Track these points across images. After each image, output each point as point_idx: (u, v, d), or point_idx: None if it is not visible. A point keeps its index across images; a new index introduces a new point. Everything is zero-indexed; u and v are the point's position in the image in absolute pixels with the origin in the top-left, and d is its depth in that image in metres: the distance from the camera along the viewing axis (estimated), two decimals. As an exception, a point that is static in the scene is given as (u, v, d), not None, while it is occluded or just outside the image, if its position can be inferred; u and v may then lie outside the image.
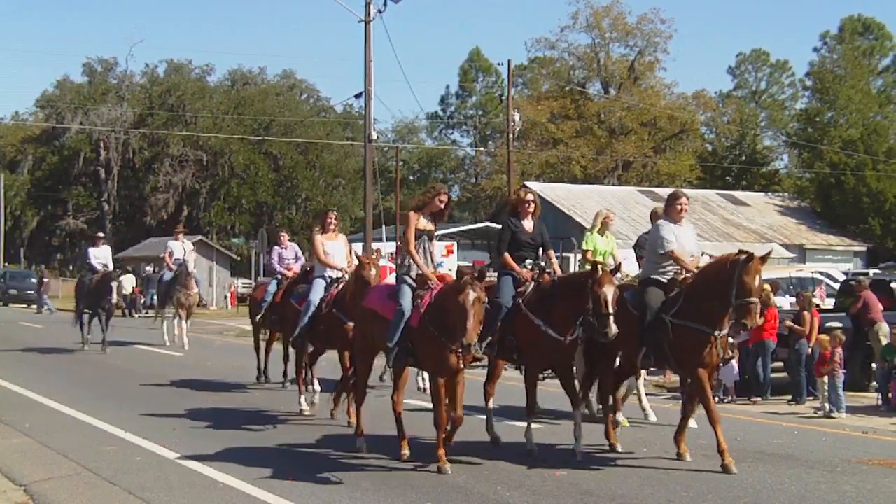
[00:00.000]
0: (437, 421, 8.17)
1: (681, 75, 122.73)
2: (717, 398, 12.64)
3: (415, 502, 7.30)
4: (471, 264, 35.60)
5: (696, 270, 8.87)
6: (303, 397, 11.68)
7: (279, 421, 11.08)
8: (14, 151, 56.78)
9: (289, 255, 14.53)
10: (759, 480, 7.91)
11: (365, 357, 9.29)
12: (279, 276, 14.07)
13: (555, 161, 57.23)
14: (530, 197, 9.59)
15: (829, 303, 17.79)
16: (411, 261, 8.63)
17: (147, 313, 33.82)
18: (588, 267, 9.38)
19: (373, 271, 9.93)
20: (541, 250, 9.45)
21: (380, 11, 24.94)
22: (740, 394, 13.18)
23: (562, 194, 47.22)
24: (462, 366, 8.18)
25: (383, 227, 29.55)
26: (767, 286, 13.07)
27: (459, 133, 73.63)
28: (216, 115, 53.92)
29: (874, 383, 13.43)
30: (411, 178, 69.59)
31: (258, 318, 14.35)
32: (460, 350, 7.73)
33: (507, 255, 9.28)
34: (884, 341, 12.82)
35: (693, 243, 9.33)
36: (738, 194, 53.61)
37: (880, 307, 13.60)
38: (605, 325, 8.14)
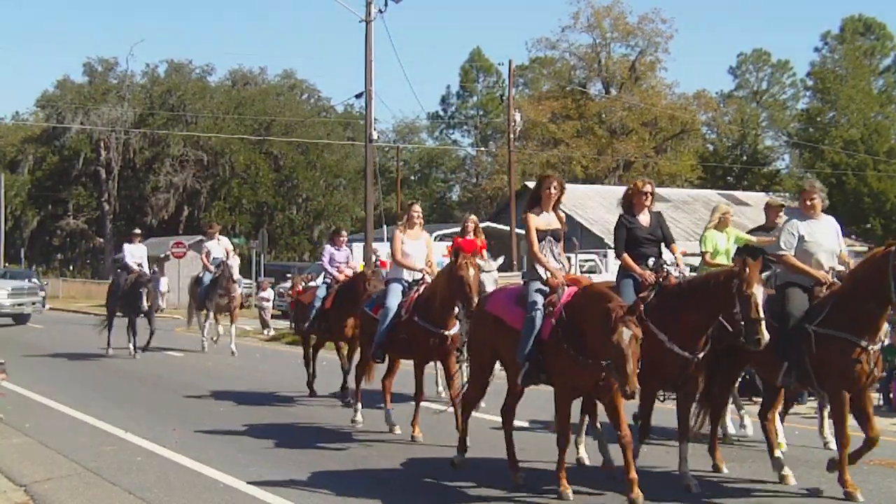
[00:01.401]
0: (561, 443, 7.30)
1: (682, 75, 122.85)
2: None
3: (415, 502, 7.29)
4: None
5: (823, 276, 7.73)
6: (359, 406, 10.74)
7: (279, 421, 11.07)
8: (14, 151, 56.76)
9: (341, 257, 13.46)
10: (760, 480, 7.90)
11: (483, 366, 8.29)
12: (328, 280, 13.13)
13: (556, 161, 57.19)
14: (648, 188, 8.43)
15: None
16: (539, 266, 7.75)
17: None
18: (705, 266, 8.46)
19: (471, 271, 8.86)
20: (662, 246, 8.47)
21: (380, 11, 24.92)
22: (741, 393, 13.14)
23: (562, 194, 47.18)
24: (602, 384, 7.06)
25: (384, 227, 29.52)
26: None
27: (460, 133, 73.74)
28: (216, 115, 53.92)
29: (875, 384, 13.40)
30: (412, 178, 69.60)
31: (306, 326, 13.31)
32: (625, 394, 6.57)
33: (626, 254, 8.25)
34: (885, 341, 12.79)
35: (832, 240, 8.11)
36: (739, 194, 53.61)
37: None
38: (757, 332, 7.01)
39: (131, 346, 18.18)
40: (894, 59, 61.90)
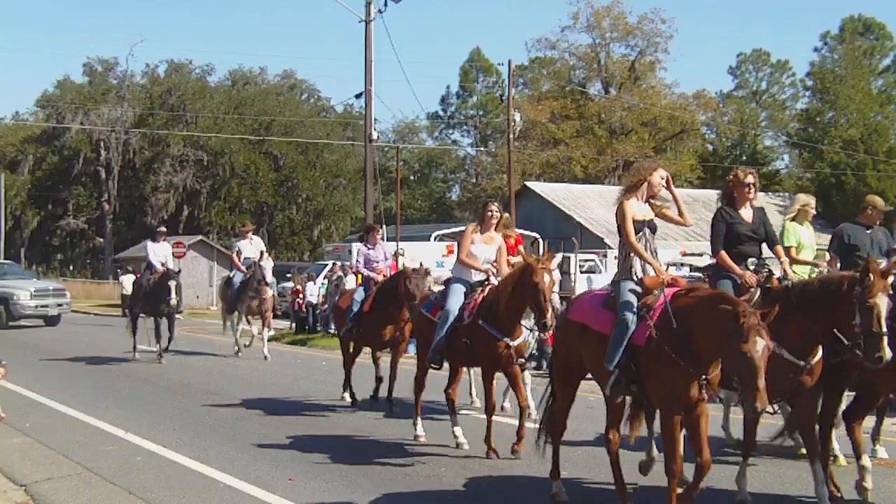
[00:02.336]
0: (670, 467, 6.30)
1: (681, 75, 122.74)
2: (717, 398, 12.65)
3: (415, 502, 7.29)
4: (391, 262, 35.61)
5: None
6: (419, 424, 9.77)
7: (280, 421, 11.06)
8: (14, 151, 56.76)
9: (377, 256, 12.50)
10: (760, 480, 7.90)
11: (569, 381, 7.46)
12: (365, 282, 12.30)
13: (555, 161, 57.24)
14: (751, 179, 7.60)
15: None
16: (633, 260, 6.94)
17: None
18: (790, 267, 7.70)
19: (546, 278, 8.04)
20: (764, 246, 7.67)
21: (380, 11, 24.93)
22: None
23: (562, 194, 47.26)
24: (706, 397, 6.31)
25: (384, 227, 29.53)
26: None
27: (460, 133, 73.74)
28: (216, 115, 53.92)
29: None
30: (412, 178, 69.59)
31: (343, 331, 12.47)
32: (755, 410, 5.72)
33: (724, 252, 7.46)
34: None
35: None
36: (739, 194, 53.60)
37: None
38: (878, 348, 6.17)
39: (157, 349, 17.63)
40: (894, 59, 61.91)
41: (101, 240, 55.38)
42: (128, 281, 36.06)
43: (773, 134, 65.48)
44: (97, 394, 13.47)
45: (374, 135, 26.80)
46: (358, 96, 27.23)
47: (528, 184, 48.56)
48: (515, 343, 8.69)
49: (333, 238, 53.76)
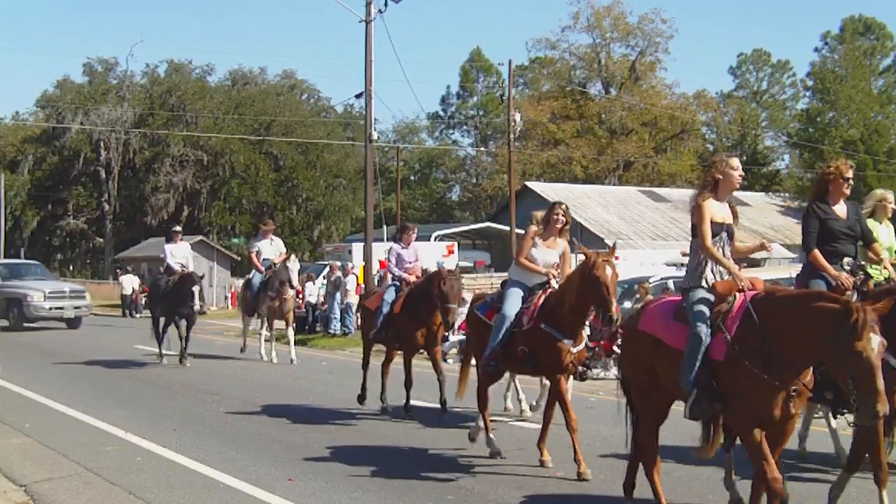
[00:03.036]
0: (773, 489, 5.72)
1: (682, 75, 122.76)
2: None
3: (415, 502, 7.29)
4: (472, 264, 35.69)
5: None
6: (491, 435, 9.11)
7: (279, 421, 11.06)
8: (14, 151, 56.75)
9: (409, 256, 11.90)
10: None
11: (651, 401, 6.70)
12: (396, 282, 11.67)
13: (555, 161, 57.26)
14: (850, 173, 6.92)
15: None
16: (706, 266, 6.33)
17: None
18: (876, 267, 7.07)
19: (608, 271, 7.67)
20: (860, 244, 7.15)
21: (380, 11, 24.89)
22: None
23: (562, 194, 47.14)
24: (794, 410, 5.77)
25: (384, 227, 29.54)
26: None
27: (460, 133, 73.79)
28: (216, 116, 53.92)
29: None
30: (412, 178, 69.60)
31: (373, 333, 11.71)
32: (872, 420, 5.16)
33: (816, 251, 6.76)
34: None
35: None
36: (739, 194, 53.53)
37: (881, 307, 13.54)
38: None
39: (162, 349, 17.27)
40: (894, 59, 61.97)
41: (101, 240, 55.38)
42: (127, 281, 36.13)
43: (773, 134, 65.56)
44: (97, 394, 13.46)
45: (374, 135, 26.78)
46: (358, 96, 27.23)
47: (529, 184, 48.59)
48: (577, 349, 8.24)
49: (333, 238, 53.76)
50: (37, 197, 55.12)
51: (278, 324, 18.41)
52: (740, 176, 6.53)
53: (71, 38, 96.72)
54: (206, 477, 8.11)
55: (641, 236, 44.12)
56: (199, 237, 44.63)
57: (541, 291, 8.53)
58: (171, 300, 16.84)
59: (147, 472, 8.29)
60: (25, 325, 25.69)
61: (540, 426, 8.77)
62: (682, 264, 27.19)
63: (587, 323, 8.41)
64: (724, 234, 6.37)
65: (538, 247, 8.71)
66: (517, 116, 34.48)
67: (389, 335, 11.42)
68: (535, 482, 7.91)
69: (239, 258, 46.83)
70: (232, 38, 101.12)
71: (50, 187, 54.92)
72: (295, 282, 17.42)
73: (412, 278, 11.56)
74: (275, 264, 17.24)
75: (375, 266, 24.57)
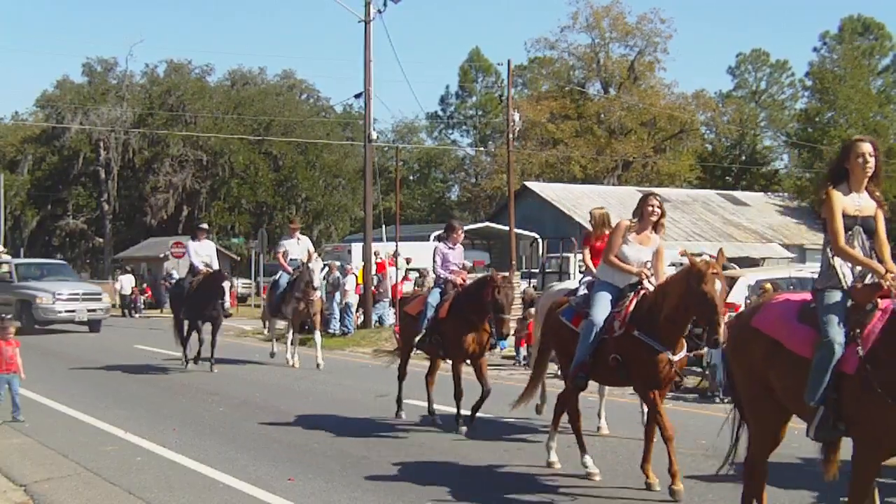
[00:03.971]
0: None
1: (681, 75, 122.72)
2: (717, 398, 12.69)
3: (415, 502, 7.30)
4: (471, 264, 35.65)
5: None
6: (553, 449, 8.47)
7: (279, 421, 11.07)
8: (14, 151, 56.71)
9: (456, 257, 11.10)
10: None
11: (765, 418, 5.95)
12: (441, 284, 10.91)
13: (554, 161, 57.24)
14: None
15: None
16: (842, 263, 5.61)
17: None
18: None
19: (717, 285, 6.85)
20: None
21: (380, 11, 24.90)
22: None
23: (562, 194, 47.28)
24: None
25: (383, 227, 29.49)
26: (769, 286, 13.05)
27: (459, 133, 73.77)
28: (216, 116, 53.88)
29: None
30: (411, 178, 69.58)
31: (417, 340, 10.89)
32: None
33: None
34: None
35: None
36: (738, 194, 53.69)
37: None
38: None
39: (184, 354, 16.63)
40: (893, 58, 61.95)
41: (101, 240, 55.36)
42: (126, 281, 36.10)
43: (772, 134, 65.53)
44: (97, 394, 13.48)
45: (374, 135, 26.79)
46: (357, 96, 27.21)
47: (528, 184, 48.59)
48: (677, 358, 7.52)
49: (333, 238, 53.74)
50: (36, 197, 55.09)
51: (279, 324, 18.24)
52: (869, 168, 5.65)
53: (71, 38, 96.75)
54: (206, 477, 8.13)
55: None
56: (199, 237, 44.57)
57: (632, 294, 7.79)
58: (197, 301, 16.10)
59: (147, 472, 8.31)
60: (42, 327, 24.89)
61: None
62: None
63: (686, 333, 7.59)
64: (857, 228, 5.59)
65: (630, 243, 7.96)
66: (516, 116, 34.47)
67: (434, 342, 10.65)
68: (536, 482, 7.93)
69: (238, 258, 46.82)
70: (231, 38, 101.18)
71: (50, 187, 54.88)
72: (317, 282, 16.73)
73: (459, 280, 10.79)
74: (303, 264, 16.73)
75: (372, 267, 24.59)
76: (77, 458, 8.93)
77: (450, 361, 10.82)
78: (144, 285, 36.99)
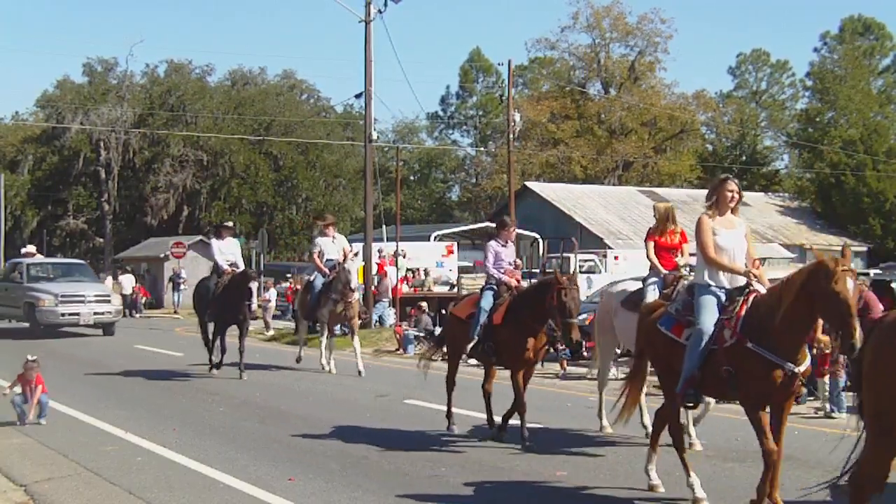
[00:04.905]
0: None
1: (681, 75, 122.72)
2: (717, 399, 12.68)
3: (415, 502, 7.29)
4: (471, 264, 35.69)
5: None
6: (653, 468, 7.71)
7: (279, 421, 11.07)
8: (14, 151, 56.70)
9: (509, 256, 10.31)
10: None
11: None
12: (494, 286, 10.05)
13: (555, 161, 57.24)
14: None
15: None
16: None
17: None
18: None
19: (849, 284, 6.14)
20: None
21: (380, 11, 24.91)
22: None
23: (562, 194, 47.29)
24: None
25: (384, 227, 29.54)
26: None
27: (460, 133, 73.77)
28: (216, 116, 53.87)
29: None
30: (411, 178, 69.58)
31: (469, 348, 10.05)
32: None
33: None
34: None
35: None
36: (739, 194, 53.61)
37: (881, 307, 13.56)
38: None
39: (213, 358, 15.71)
40: (893, 59, 61.93)
41: (101, 240, 55.34)
42: (126, 281, 36.09)
43: (772, 134, 65.51)
44: (97, 394, 13.48)
45: (374, 135, 26.79)
46: (358, 96, 27.25)
47: (528, 184, 48.59)
48: (801, 369, 6.67)
49: (333, 238, 53.69)
50: (37, 197, 55.08)
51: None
52: None
53: (71, 38, 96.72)
54: (206, 477, 8.12)
55: (641, 236, 43.93)
56: (199, 237, 44.59)
57: (741, 298, 6.97)
58: (223, 304, 15.18)
59: (147, 472, 8.30)
60: (47, 331, 23.39)
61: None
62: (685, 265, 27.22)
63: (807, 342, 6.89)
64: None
65: (720, 234, 7.22)
66: (516, 116, 34.49)
67: (487, 349, 9.82)
68: (536, 482, 7.92)
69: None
70: (232, 38, 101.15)
71: (50, 187, 54.87)
72: (355, 282, 15.79)
73: (514, 282, 10.03)
74: (338, 264, 15.84)
75: (372, 267, 24.59)
76: (77, 458, 8.93)
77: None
78: (137, 285, 36.89)
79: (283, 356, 18.83)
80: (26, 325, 23.89)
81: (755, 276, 7.08)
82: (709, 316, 7.01)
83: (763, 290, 6.95)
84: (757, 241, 45.61)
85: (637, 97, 57.83)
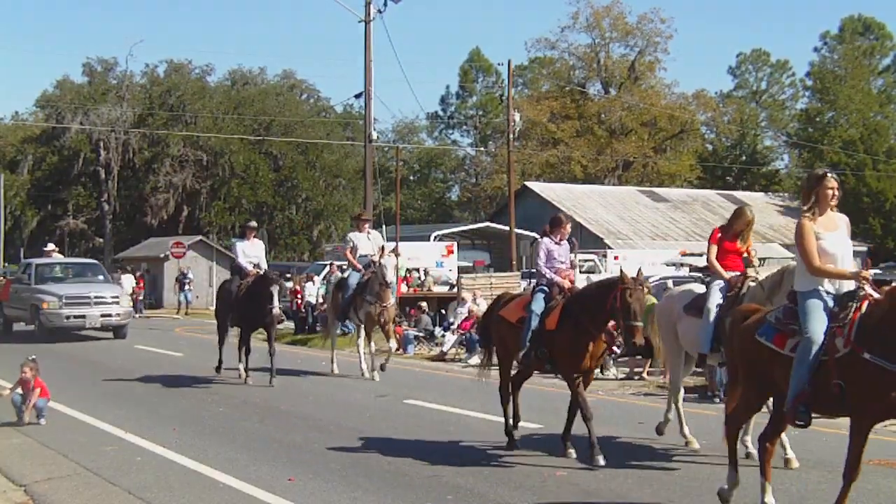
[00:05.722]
0: None
1: (681, 75, 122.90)
2: (717, 398, 12.68)
3: (415, 502, 7.29)
4: (471, 264, 35.71)
5: None
6: (769, 492, 6.87)
7: (279, 421, 11.07)
8: (14, 151, 56.68)
9: (563, 255, 9.54)
10: (760, 480, 7.89)
11: None
12: (545, 287, 9.23)
13: (555, 161, 57.27)
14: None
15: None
16: None
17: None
18: None
19: None
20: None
21: (380, 11, 24.96)
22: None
23: (562, 194, 47.31)
24: None
25: (384, 227, 29.50)
26: None
27: (459, 133, 73.80)
28: (216, 116, 53.86)
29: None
30: (411, 178, 69.58)
31: (521, 355, 9.16)
32: None
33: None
34: None
35: None
36: (739, 194, 53.68)
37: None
38: None
39: (241, 367, 14.70)
40: (894, 58, 61.98)
41: (101, 240, 55.33)
42: (126, 281, 36.03)
43: (772, 134, 65.57)
44: (97, 394, 13.48)
45: (374, 135, 26.81)
46: (357, 96, 27.28)
47: (528, 184, 48.62)
48: None
49: (333, 238, 53.70)
50: (36, 197, 55.06)
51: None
52: None
53: (71, 38, 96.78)
54: (206, 477, 8.12)
55: (641, 236, 44.12)
56: (199, 237, 44.59)
57: (854, 304, 6.35)
58: (248, 307, 14.46)
59: (147, 472, 8.30)
60: (53, 334, 22.12)
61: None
62: (682, 264, 27.21)
63: None
64: None
65: (824, 238, 6.59)
66: (516, 116, 34.49)
67: (540, 356, 8.99)
68: (536, 482, 7.92)
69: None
70: (232, 38, 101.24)
71: (50, 187, 54.85)
72: (391, 277, 14.86)
73: (567, 283, 9.24)
74: (374, 262, 14.89)
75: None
76: (77, 458, 8.93)
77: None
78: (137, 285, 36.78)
79: (283, 356, 18.79)
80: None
81: (866, 280, 6.44)
82: (817, 324, 6.38)
83: (877, 295, 6.34)
84: (757, 241, 45.61)
85: (637, 97, 57.87)
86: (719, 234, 9.24)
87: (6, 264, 49.22)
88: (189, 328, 27.71)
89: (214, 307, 16.08)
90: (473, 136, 70.82)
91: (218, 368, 15.32)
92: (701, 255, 30.94)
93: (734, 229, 9.17)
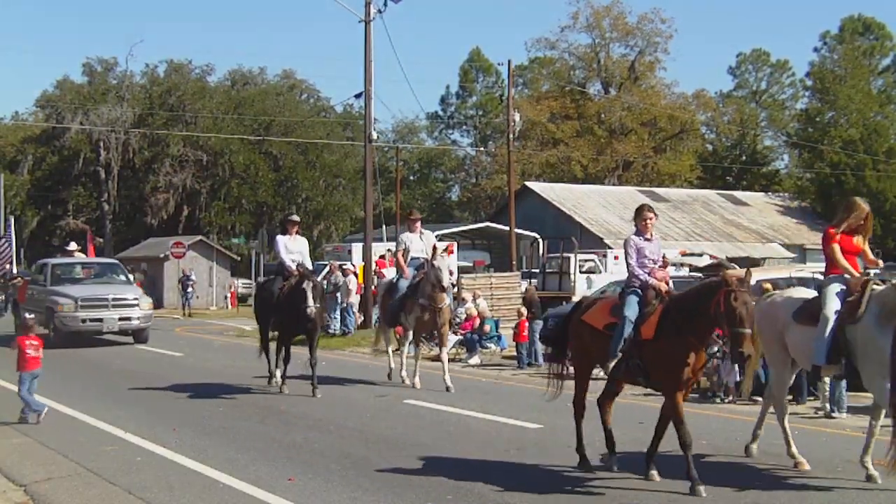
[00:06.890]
0: None
1: (681, 75, 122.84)
2: (717, 398, 12.69)
3: (415, 502, 7.29)
4: (471, 264, 35.70)
5: None
6: None
7: (279, 421, 11.07)
8: (14, 151, 56.69)
9: (654, 251, 8.42)
10: (760, 480, 7.89)
11: None
12: (638, 290, 8.14)
13: (555, 161, 57.27)
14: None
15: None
16: None
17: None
18: None
19: None
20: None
21: (380, 11, 24.93)
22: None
23: (562, 194, 47.31)
24: None
25: (383, 227, 29.54)
26: (769, 285, 13.01)
27: (459, 133, 73.79)
28: (216, 116, 53.84)
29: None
30: (411, 178, 69.57)
31: (611, 367, 8.20)
32: None
33: None
34: None
35: None
36: (739, 194, 53.70)
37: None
38: None
39: (278, 374, 13.95)
40: (893, 59, 61.97)
41: (101, 240, 55.30)
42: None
43: (772, 134, 65.55)
44: (97, 394, 13.48)
45: (374, 135, 26.79)
46: (357, 96, 27.24)
47: (528, 184, 48.62)
48: None
49: (333, 238, 53.73)
50: (37, 197, 55.08)
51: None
52: None
53: (71, 38, 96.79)
54: (206, 477, 8.12)
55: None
56: (199, 237, 44.59)
57: None
58: (288, 309, 13.30)
59: (147, 472, 8.30)
60: (68, 338, 20.76)
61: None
62: (682, 264, 27.20)
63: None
64: None
65: None
66: (516, 116, 34.49)
67: (633, 367, 8.04)
68: (535, 482, 7.91)
69: (239, 258, 46.74)
70: (232, 38, 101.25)
71: (50, 187, 54.86)
72: (446, 280, 13.49)
73: (664, 286, 8.13)
74: (426, 262, 13.89)
75: (372, 267, 24.54)
76: (77, 458, 8.93)
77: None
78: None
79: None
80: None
81: None
82: None
83: None
84: (757, 241, 45.63)
85: (637, 97, 57.87)
86: (834, 231, 8.24)
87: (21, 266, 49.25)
88: (189, 328, 27.72)
89: (253, 307, 15.25)
90: (473, 136, 70.83)
91: (269, 380, 14.19)
92: (701, 254, 30.96)
93: (848, 225, 8.24)
